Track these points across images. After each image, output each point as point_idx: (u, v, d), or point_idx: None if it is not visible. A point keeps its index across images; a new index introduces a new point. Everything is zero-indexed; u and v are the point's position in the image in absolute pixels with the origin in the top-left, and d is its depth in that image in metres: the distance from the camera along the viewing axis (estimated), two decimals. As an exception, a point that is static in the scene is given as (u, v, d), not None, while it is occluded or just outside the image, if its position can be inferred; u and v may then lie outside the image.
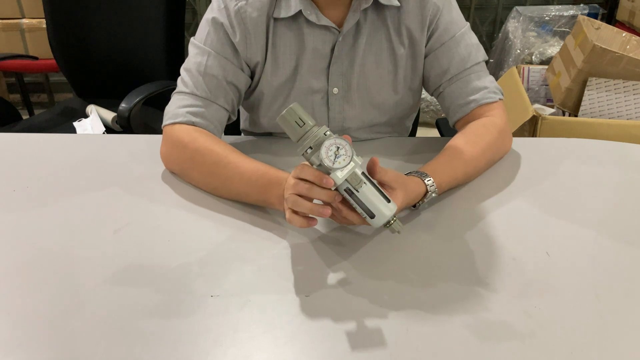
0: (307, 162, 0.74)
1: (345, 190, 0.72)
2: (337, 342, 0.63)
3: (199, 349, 0.62)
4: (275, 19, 0.95)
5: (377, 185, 0.73)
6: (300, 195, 0.73)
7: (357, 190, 0.71)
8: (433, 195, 0.85)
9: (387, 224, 0.73)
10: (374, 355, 0.61)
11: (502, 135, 0.97)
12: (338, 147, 0.70)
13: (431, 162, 0.89)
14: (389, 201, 0.72)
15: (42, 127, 1.76)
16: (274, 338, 0.64)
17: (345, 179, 0.71)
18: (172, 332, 0.64)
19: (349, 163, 0.70)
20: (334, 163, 0.70)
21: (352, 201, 0.72)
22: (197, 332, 0.64)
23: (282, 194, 0.80)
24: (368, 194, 0.71)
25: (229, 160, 0.88)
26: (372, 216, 0.72)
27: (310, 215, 0.74)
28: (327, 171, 0.71)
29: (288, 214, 0.74)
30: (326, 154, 0.70)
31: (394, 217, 0.73)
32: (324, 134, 0.71)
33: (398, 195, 0.77)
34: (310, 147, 0.71)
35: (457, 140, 0.94)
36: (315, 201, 0.73)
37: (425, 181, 0.83)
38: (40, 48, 2.51)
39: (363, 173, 0.72)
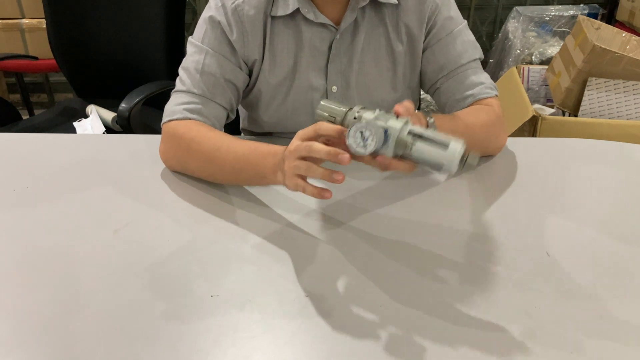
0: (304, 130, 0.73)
1: (401, 156, 0.68)
2: (337, 342, 0.63)
3: (199, 349, 0.62)
4: (273, 17, 0.95)
5: (429, 135, 0.66)
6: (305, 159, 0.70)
7: (410, 154, 0.66)
8: None
9: (462, 164, 0.66)
10: (374, 355, 0.61)
11: (499, 123, 0.98)
12: (361, 131, 0.67)
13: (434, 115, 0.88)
14: (447, 146, 0.65)
15: (42, 127, 1.76)
16: (274, 338, 0.64)
17: (393, 148, 0.67)
18: (172, 332, 0.64)
19: (382, 138, 0.66)
20: (366, 148, 0.67)
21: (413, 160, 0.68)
22: (197, 332, 0.64)
23: (276, 164, 0.78)
24: (423, 151, 0.66)
25: (223, 142, 0.88)
26: (439, 168, 0.66)
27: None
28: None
29: (294, 182, 0.72)
30: (355, 143, 0.67)
31: (466, 153, 0.65)
32: (354, 117, 0.69)
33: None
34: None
35: (455, 113, 0.96)
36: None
37: (427, 119, 0.82)
38: (40, 48, 2.51)
39: (410, 132, 0.67)
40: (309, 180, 0.72)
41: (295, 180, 0.72)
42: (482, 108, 0.97)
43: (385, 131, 0.67)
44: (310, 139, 0.71)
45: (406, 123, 0.68)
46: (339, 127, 0.70)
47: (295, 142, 0.72)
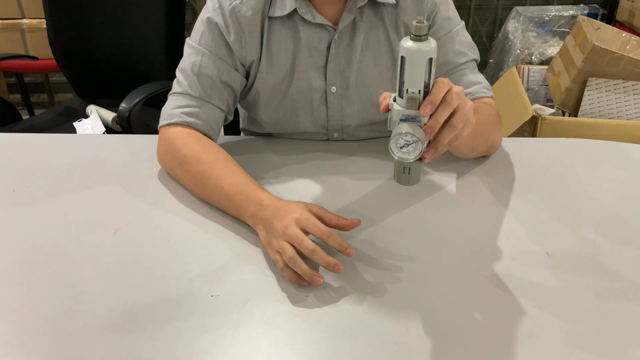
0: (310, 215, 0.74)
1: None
2: (337, 342, 0.63)
3: (199, 349, 0.62)
4: (270, 18, 0.95)
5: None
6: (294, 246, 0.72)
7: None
8: None
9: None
10: (374, 355, 0.61)
11: (497, 121, 0.98)
12: (399, 143, 0.67)
13: None
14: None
15: (42, 127, 1.76)
16: (274, 338, 0.64)
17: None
18: (172, 332, 0.64)
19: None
20: (410, 154, 0.66)
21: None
22: (197, 332, 0.64)
23: (258, 215, 0.79)
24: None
25: (212, 172, 0.87)
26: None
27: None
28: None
29: (275, 258, 0.74)
30: (400, 151, 0.67)
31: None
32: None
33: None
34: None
35: None
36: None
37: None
38: (40, 48, 2.50)
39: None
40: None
41: (277, 257, 0.73)
42: (484, 105, 0.97)
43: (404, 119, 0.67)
44: (311, 223, 0.73)
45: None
46: (346, 243, 0.72)
47: (296, 230, 0.73)
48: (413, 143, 0.66)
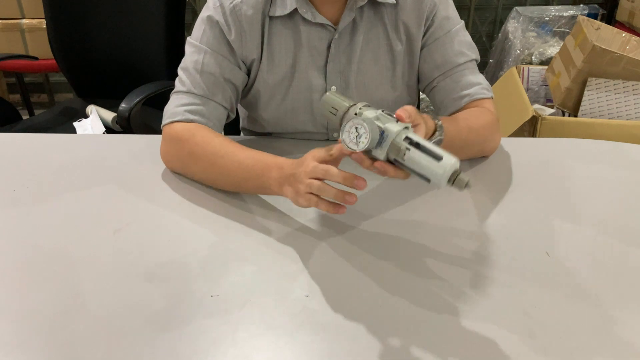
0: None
1: (394, 160, 0.66)
2: (337, 342, 0.63)
3: (199, 349, 0.62)
4: (271, 17, 0.96)
5: (426, 145, 0.64)
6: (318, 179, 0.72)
7: (402, 160, 0.65)
8: (439, 137, 0.81)
9: (451, 182, 0.63)
10: (374, 355, 0.61)
11: (493, 125, 0.98)
12: (357, 127, 0.66)
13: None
14: (440, 159, 0.63)
15: (42, 127, 1.76)
16: (274, 338, 0.64)
17: (386, 152, 0.66)
18: (172, 332, 0.64)
19: (377, 139, 0.65)
20: (357, 145, 0.66)
21: (404, 168, 0.66)
22: (197, 332, 0.64)
23: (283, 177, 0.79)
24: (415, 159, 0.64)
25: (227, 150, 0.88)
26: (427, 180, 0.64)
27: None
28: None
29: (307, 198, 0.73)
30: (349, 139, 0.67)
31: (457, 172, 0.63)
32: (354, 113, 0.69)
33: (421, 129, 0.72)
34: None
35: (451, 116, 0.96)
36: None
37: (436, 121, 0.82)
38: (40, 48, 2.51)
39: (407, 138, 0.65)
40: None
41: (308, 196, 0.74)
42: (481, 110, 0.98)
43: (382, 132, 0.66)
44: (324, 161, 0.73)
45: (406, 129, 0.67)
46: (352, 152, 0.69)
47: (311, 163, 0.74)
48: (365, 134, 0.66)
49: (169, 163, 0.97)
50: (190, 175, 0.94)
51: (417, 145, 0.64)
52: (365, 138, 0.66)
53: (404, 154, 0.64)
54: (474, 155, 1.01)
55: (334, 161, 0.74)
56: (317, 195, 0.73)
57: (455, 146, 0.88)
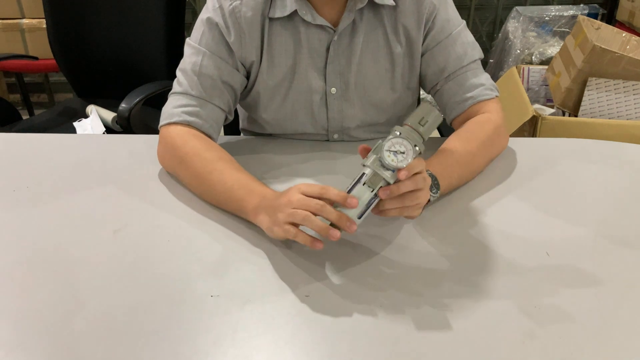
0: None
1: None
2: (337, 342, 0.63)
3: (199, 349, 0.62)
4: (271, 19, 0.95)
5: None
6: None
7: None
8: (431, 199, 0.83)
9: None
10: (374, 355, 0.61)
11: (497, 131, 0.98)
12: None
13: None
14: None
15: (42, 127, 1.76)
16: (274, 338, 0.64)
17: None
18: (172, 332, 0.64)
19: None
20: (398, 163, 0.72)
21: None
22: (197, 332, 0.64)
23: (261, 206, 0.78)
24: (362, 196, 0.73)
25: (214, 167, 0.87)
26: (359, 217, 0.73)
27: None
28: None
29: (285, 228, 0.72)
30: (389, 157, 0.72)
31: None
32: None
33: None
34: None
35: (451, 142, 0.94)
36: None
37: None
38: (40, 48, 2.50)
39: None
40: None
41: (287, 227, 0.72)
42: (476, 125, 0.97)
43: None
44: (314, 198, 0.72)
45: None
46: (345, 194, 0.71)
47: (299, 195, 0.73)
48: (403, 153, 0.72)
49: (163, 164, 0.97)
50: (181, 180, 0.94)
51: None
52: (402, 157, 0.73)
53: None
54: (485, 166, 0.99)
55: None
56: (296, 227, 0.72)
57: (453, 185, 0.91)
